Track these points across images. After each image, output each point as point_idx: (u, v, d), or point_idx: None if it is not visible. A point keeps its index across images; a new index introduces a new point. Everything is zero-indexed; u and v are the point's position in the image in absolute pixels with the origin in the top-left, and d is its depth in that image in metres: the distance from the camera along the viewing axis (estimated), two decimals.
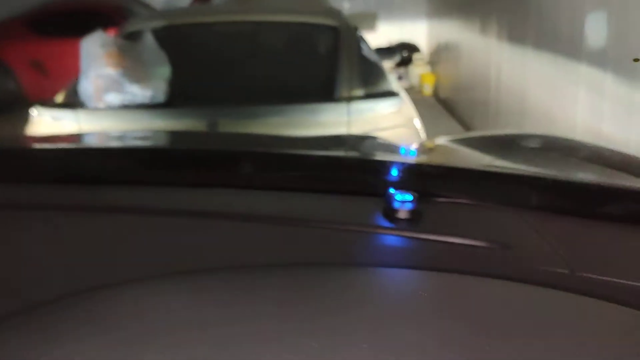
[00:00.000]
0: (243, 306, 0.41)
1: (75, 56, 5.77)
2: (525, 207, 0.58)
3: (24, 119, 2.28)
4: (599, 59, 2.73)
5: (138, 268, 0.48)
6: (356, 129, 2.19)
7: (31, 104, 2.29)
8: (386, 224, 0.53)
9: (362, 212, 0.56)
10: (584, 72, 2.88)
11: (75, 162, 0.78)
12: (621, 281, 0.45)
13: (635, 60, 2.37)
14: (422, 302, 0.40)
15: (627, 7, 2.47)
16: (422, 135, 2.44)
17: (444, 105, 6.04)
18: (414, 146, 0.83)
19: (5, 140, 1.22)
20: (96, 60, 2.17)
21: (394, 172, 0.57)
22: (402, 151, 0.59)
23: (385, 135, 2.25)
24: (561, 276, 0.45)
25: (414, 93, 6.37)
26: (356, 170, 0.68)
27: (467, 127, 5.07)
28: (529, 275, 0.44)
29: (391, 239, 0.51)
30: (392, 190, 0.54)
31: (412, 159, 0.60)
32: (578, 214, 0.58)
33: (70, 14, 6.35)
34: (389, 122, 2.30)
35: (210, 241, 0.54)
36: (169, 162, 0.77)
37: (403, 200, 0.52)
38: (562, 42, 3.14)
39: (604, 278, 0.45)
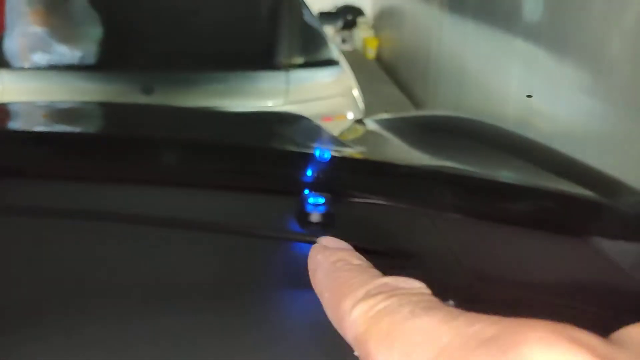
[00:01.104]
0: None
1: None
2: (443, 209, 0.59)
3: None
4: (534, 33, 2.80)
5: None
6: (294, 98, 2.18)
7: None
8: (297, 228, 0.53)
9: (274, 214, 0.56)
10: (519, 46, 2.95)
11: None
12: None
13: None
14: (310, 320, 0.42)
15: None
16: (360, 105, 2.45)
17: (385, 70, 6.06)
18: (332, 145, 0.81)
19: None
20: (21, 17, 2.05)
21: (309, 172, 0.56)
22: (317, 153, 0.58)
23: (324, 105, 2.26)
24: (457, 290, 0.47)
25: (357, 57, 6.36)
26: (272, 164, 0.66)
27: (407, 93, 5.13)
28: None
29: (300, 247, 0.51)
30: (306, 192, 0.54)
31: (330, 156, 0.59)
32: (493, 218, 0.59)
33: None
34: (327, 91, 2.30)
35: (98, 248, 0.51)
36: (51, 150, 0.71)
37: (315, 203, 0.52)
38: (500, 16, 3.20)
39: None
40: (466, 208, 0.60)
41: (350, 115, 2.32)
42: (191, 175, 0.64)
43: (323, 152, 0.57)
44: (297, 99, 2.19)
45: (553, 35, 2.62)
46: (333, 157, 0.58)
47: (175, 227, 0.54)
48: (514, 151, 0.99)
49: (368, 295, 0.22)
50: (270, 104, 2.18)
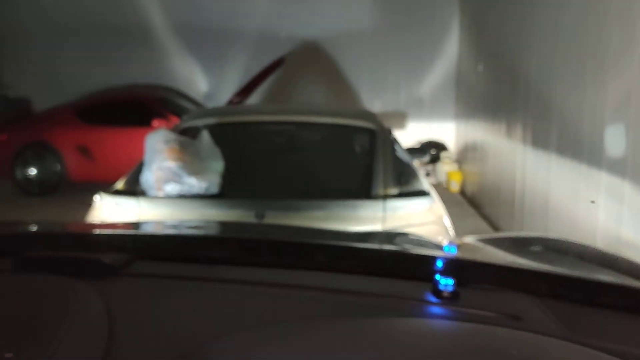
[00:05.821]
0: None
1: (116, 142, 6.26)
2: (539, 294, 0.76)
3: (72, 200, 2.51)
4: (618, 167, 2.92)
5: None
6: (390, 225, 2.38)
7: (73, 185, 2.53)
8: (435, 300, 0.72)
9: (416, 291, 0.76)
10: (604, 178, 3.06)
11: (191, 245, 1.02)
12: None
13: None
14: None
15: None
16: (451, 232, 2.61)
17: (470, 203, 6.22)
18: (448, 243, 1.03)
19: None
20: (159, 153, 2.43)
21: (439, 263, 0.77)
22: (446, 248, 0.79)
23: (417, 231, 2.44)
24: (560, 343, 0.62)
25: (441, 189, 6.58)
26: (405, 262, 0.87)
27: (492, 224, 5.22)
28: (537, 348, 0.61)
29: (440, 310, 0.70)
30: (437, 277, 0.74)
31: (451, 254, 0.81)
32: (580, 301, 0.76)
33: (114, 104, 6.89)
34: (420, 219, 2.48)
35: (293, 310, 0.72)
36: (255, 249, 0.98)
37: (446, 283, 0.72)
38: (584, 150, 3.35)
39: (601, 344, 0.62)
40: (557, 294, 0.78)
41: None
42: (361, 267, 0.86)
43: (450, 247, 0.78)
44: (393, 226, 2.39)
45: (639, 168, 2.73)
46: (455, 255, 0.79)
47: (356, 297, 0.75)
48: (612, 267, 1.12)
49: None
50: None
